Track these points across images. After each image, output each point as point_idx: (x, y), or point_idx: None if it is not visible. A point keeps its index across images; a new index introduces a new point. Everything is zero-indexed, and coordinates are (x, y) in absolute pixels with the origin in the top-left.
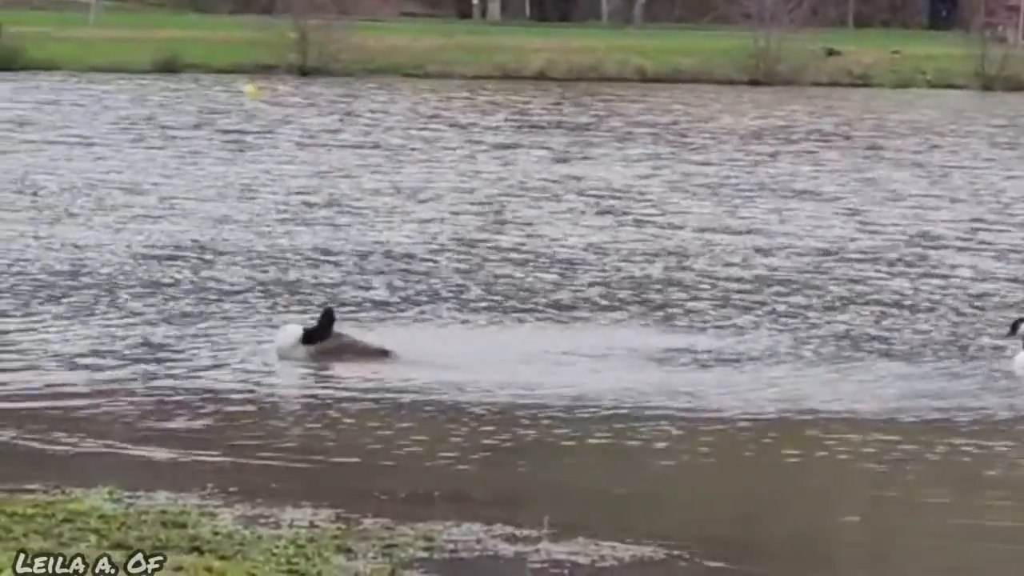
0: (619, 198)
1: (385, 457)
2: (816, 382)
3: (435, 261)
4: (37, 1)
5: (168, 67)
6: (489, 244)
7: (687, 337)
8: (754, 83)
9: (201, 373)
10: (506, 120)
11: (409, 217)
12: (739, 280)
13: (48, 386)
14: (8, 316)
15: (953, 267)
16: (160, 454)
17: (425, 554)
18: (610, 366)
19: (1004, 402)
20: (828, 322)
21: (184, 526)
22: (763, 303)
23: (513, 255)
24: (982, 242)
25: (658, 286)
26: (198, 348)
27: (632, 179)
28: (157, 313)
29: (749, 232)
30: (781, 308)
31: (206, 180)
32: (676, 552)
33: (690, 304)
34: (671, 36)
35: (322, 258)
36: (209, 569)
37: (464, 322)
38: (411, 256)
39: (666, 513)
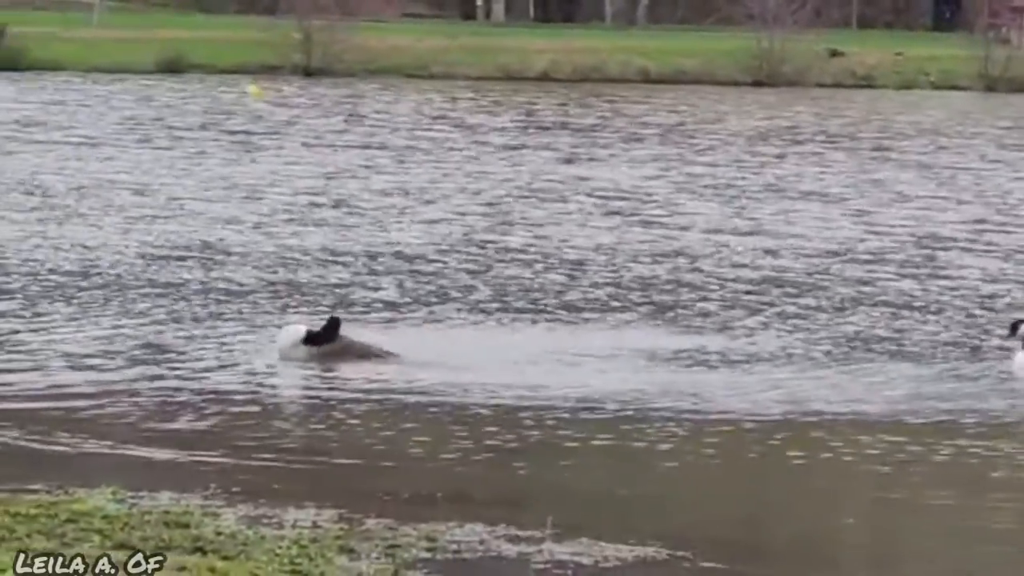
0: (626, 199)
1: (388, 458)
2: (823, 384)
3: (443, 262)
4: (40, 1)
5: (172, 67)
6: (497, 245)
7: (694, 338)
8: (757, 84)
9: (206, 374)
10: (512, 121)
11: (417, 218)
12: (747, 281)
13: (52, 386)
14: (17, 316)
15: (960, 268)
16: (163, 454)
17: (428, 555)
18: (617, 367)
19: (1011, 404)
20: (835, 323)
21: (187, 526)
22: (770, 304)
23: (521, 256)
24: (989, 243)
25: (666, 287)
26: (204, 349)
27: (639, 180)
28: (165, 314)
29: (756, 233)
30: (788, 309)
31: (213, 181)
32: (680, 553)
33: (697, 305)
34: (674, 37)
35: (330, 259)
36: (212, 569)
37: (472, 323)
38: (419, 257)
39: (670, 514)
